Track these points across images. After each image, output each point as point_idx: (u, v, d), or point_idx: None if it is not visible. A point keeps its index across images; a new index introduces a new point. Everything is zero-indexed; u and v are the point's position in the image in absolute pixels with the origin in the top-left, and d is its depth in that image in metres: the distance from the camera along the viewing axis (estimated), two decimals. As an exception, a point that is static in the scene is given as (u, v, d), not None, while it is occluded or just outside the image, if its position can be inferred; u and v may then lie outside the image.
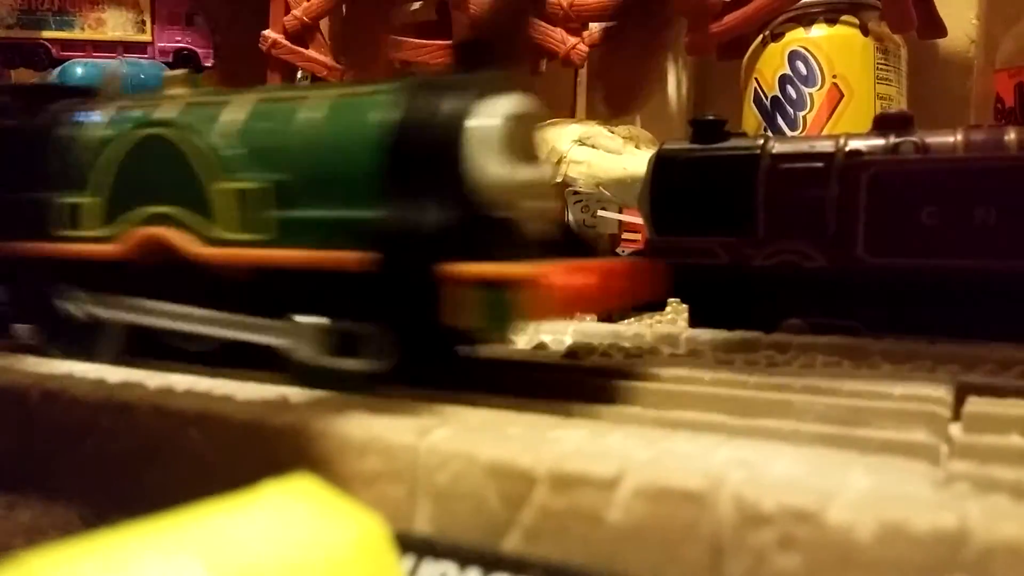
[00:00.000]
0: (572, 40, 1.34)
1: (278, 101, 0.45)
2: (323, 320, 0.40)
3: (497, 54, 0.42)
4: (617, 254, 1.39)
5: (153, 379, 0.41)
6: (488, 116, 0.39)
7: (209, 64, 1.51)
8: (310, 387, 0.40)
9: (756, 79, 1.25)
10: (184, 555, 0.18)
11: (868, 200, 0.56)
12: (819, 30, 1.20)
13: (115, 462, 0.38)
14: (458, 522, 0.30)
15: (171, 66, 1.45)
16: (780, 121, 1.22)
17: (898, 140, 0.58)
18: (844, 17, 1.20)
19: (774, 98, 1.22)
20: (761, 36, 1.25)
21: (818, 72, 1.19)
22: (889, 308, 0.56)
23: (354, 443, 0.32)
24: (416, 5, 1.71)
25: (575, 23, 1.39)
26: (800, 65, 1.20)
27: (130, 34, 1.46)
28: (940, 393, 0.38)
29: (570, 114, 1.64)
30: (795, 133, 1.20)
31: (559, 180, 1.27)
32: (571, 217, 1.29)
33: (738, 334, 0.50)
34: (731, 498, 0.25)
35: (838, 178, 0.58)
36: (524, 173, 0.39)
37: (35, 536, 0.35)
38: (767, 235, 0.60)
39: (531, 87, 0.43)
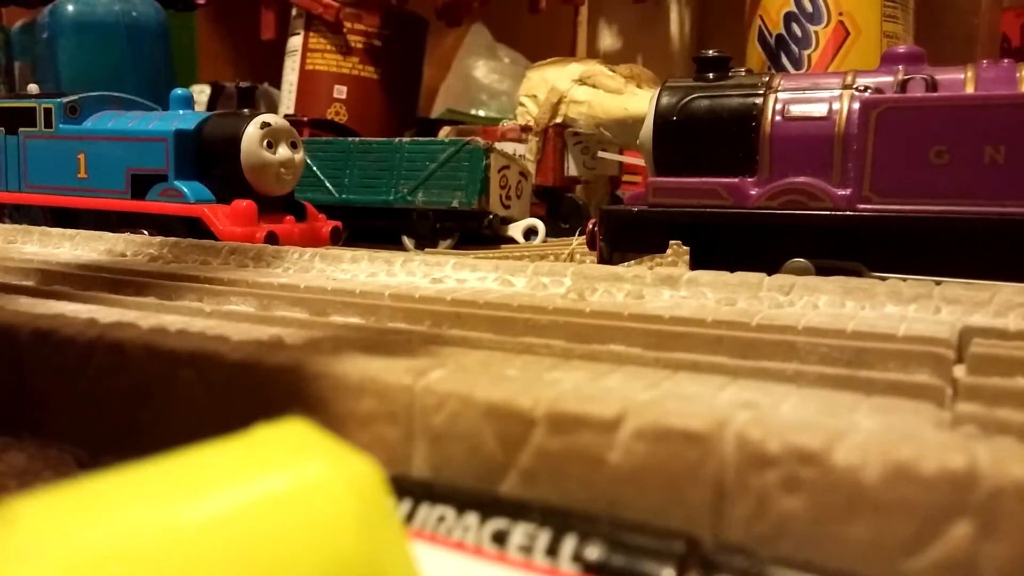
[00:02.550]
0: (573, -24, 1.31)
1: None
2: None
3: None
4: (618, 197, 1.38)
5: (146, 319, 0.41)
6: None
7: (201, 2, 1.47)
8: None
9: (760, 16, 1.22)
10: (175, 498, 0.18)
11: (876, 139, 0.54)
12: (826, -35, 1.17)
13: (108, 403, 0.37)
14: (455, 464, 0.29)
15: (163, 3, 1.42)
16: (784, 60, 1.19)
17: (907, 77, 0.56)
18: (852, -48, 1.17)
19: (779, 36, 1.20)
20: (766, -29, 1.23)
21: (824, 9, 1.16)
22: (894, 248, 0.55)
23: (349, 384, 0.32)
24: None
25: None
26: (806, 2, 1.17)
27: (121, -30, 1.42)
28: (944, 335, 0.37)
29: (570, 53, 1.61)
30: (800, 72, 1.17)
31: (558, 121, 1.25)
32: (571, 159, 1.27)
33: (740, 275, 0.49)
34: (735, 439, 0.25)
35: (845, 116, 0.56)
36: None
37: (29, 478, 0.34)
38: (772, 175, 0.59)
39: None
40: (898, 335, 0.38)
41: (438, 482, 0.29)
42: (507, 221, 1.10)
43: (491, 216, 1.05)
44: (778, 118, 0.59)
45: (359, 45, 1.45)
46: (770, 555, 0.24)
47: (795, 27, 1.18)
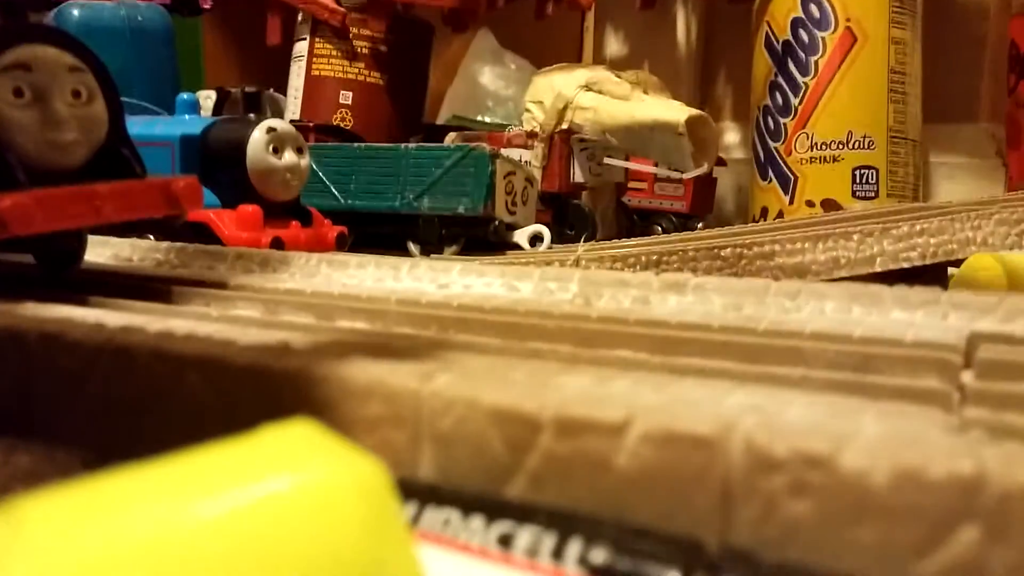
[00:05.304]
0: (579, -18, 1.32)
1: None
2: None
3: None
4: (623, 202, 1.38)
5: (153, 323, 0.41)
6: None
7: (207, 7, 1.48)
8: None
9: (767, 22, 1.23)
10: (180, 498, 0.18)
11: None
12: (833, -29, 1.18)
13: (115, 406, 0.38)
14: (461, 468, 0.29)
15: (169, 8, 1.42)
16: (791, 66, 1.19)
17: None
18: (859, -42, 1.17)
19: (785, 42, 1.20)
20: (773, -23, 1.23)
21: (831, 15, 1.16)
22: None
23: (356, 388, 0.32)
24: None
25: (582, -35, 1.36)
26: (813, 7, 1.17)
27: (128, -24, 1.43)
28: (952, 340, 0.37)
29: (576, 59, 1.61)
30: (807, 78, 1.17)
31: (564, 127, 1.25)
32: (577, 165, 1.27)
33: (747, 281, 0.49)
34: (742, 443, 0.25)
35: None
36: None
37: (35, 481, 0.34)
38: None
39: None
40: (905, 340, 0.38)
41: (444, 485, 0.29)
42: (512, 227, 1.10)
43: (496, 222, 1.06)
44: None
45: (365, 51, 1.46)
46: (777, 559, 0.24)
47: (802, 33, 1.18)
